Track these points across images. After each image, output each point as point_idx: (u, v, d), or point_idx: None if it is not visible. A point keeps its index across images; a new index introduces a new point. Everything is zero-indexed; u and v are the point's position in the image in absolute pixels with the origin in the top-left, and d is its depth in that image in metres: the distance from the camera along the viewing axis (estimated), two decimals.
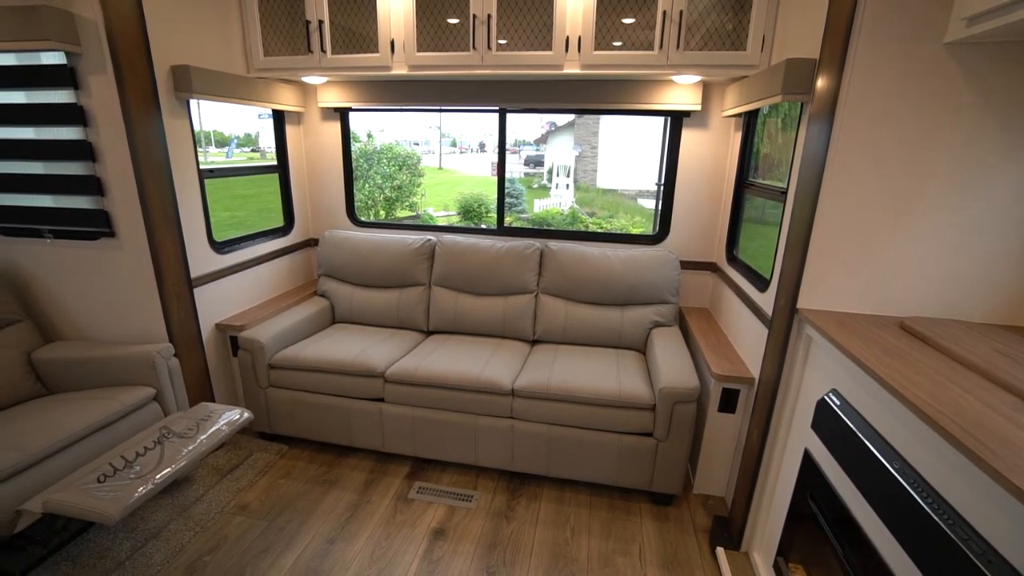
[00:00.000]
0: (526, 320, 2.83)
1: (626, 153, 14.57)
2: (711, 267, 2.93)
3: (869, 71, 1.48)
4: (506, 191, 2.95)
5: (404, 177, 12.13)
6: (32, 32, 1.91)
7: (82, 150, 2.11)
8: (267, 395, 2.60)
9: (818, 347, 1.62)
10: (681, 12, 2.19)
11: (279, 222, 3.19)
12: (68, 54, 2.01)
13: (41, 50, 1.97)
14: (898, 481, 1.08)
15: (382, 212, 11.97)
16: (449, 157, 19.91)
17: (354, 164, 3.20)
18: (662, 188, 2.99)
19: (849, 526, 1.31)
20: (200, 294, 2.48)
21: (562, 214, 12.77)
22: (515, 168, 16.37)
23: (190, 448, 1.83)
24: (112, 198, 2.16)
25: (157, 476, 1.66)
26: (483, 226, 2.85)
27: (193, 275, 2.42)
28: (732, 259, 2.66)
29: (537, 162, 16.93)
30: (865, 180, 1.55)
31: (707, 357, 2.28)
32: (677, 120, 2.78)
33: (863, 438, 1.25)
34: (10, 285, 2.33)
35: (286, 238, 3.17)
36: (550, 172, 15.71)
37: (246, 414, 2.05)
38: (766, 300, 2.02)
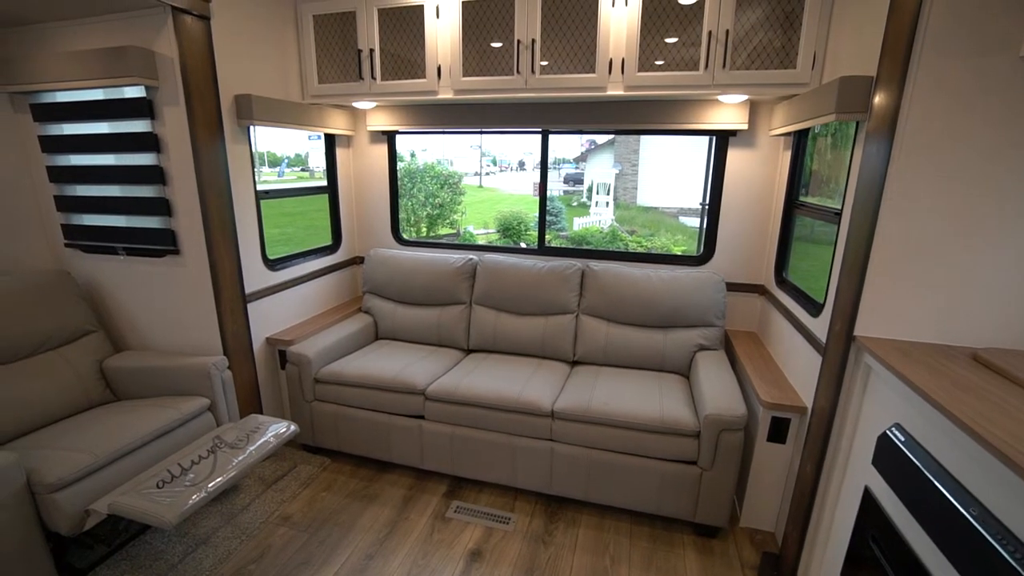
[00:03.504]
0: (566, 341, 2.80)
1: (667, 171, 14.38)
2: (759, 289, 2.83)
3: (933, 87, 1.41)
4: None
5: (446, 195, 12.43)
6: (119, 69, 2.09)
7: (155, 174, 2.27)
8: (312, 408, 2.67)
9: (879, 378, 1.53)
10: (727, 31, 2.17)
11: (326, 239, 3.32)
12: (147, 88, 2.18)
13: (125, 85, 2.15)
14: (977, 530, 0.99)
15: (424, 229, 12.28)
16: (490, 176, 20.25)
17: (399, 183, 3.30)
18: (707, 208, 2.93)
19: (918, 575, 1.21)
20: (253, 309, 2.60)
21: (602, 232, 12.70)
22: (554, 186, 16.41)
23: (240, 459, 1.90)
24: (178, 218, 2.31)
25: (210, 484, 1.73)
26: (524, 245, 2.84)
27: (248, 291, 2.54)
28: (781, 281, 2.56)
29: (576, 180, 16.94)
30: (931, 199, 1.47)
31: (755, 383, 2.19)
32: (723, 139, 2.73)
33: (933, 479, 1.16)
34: (88, 298, 2.52)
35: (334, 256, 3.28)
36: (589, 190, 15.70)
37: (292, 427, 2.12)
38: (819, 325, 1.93)
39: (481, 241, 12.48)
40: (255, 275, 2.62)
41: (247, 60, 2.47)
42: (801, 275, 2.47)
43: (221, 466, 1.85)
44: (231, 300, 2.43)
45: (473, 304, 3.00)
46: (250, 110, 2.38)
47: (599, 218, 14.09)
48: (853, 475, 1.63)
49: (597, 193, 15.47)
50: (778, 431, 2.09)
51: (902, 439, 1.33)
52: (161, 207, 2.30)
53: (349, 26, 2.67)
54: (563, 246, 3.02)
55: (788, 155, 2.56)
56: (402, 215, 11.06)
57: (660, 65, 2.31)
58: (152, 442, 2.03)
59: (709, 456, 2.08)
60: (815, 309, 2.02)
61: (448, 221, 12.60)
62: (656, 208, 15.35)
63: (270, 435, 2.08)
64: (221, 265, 2.36)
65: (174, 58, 2.10)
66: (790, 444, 2.08)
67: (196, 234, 2.29)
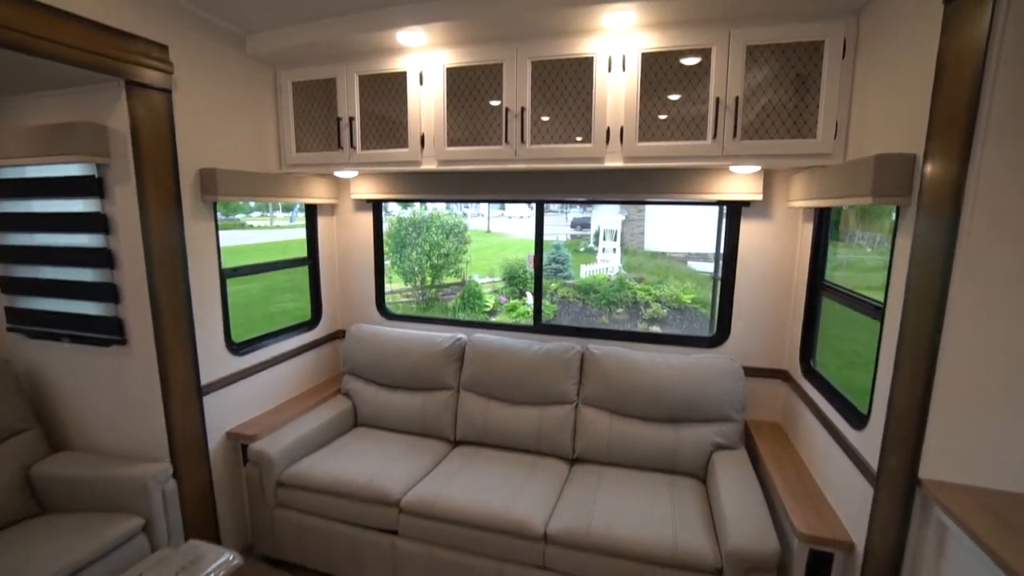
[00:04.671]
0: (564, 435, 2.47)
1: (674, 216, 14.23)
2: (781, 375, 2.49)
3: (1005, 168, 1.14)
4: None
5: (451, 244, 12.33)
6: (67, 147, 1.91)
7: (102, 257, 2.05)
8: (274, 515, 2.33)
9: (959, 544, 1.19)
10: (737, 98, 1.95)
11: (305, 302, 3.06)
12: (98, 165, 1.98)
13: (73, 162, 1.96)
14: None
15: (428, 278, 12.12)
16: (498, 220, 20.28)
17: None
18: (719, 281, 2.65)
19: None
20: (212, 401, 2.31)
21: (609, 280, 12.43)
22: (560, 230, 16.32)
23: None
24: (126, 305, 2.06)
25: None
26: (518, 323, 2.56)
27: (205, 382, 2.26)
28: (809, 371, 2.23)
29: (584, 224, 16.85)
30: (1017, 304, 1.17)
31: (786, 503, 1.83)
32: (735, 209, 2.47)
33: None
34: (29, 389, 2.26)
35: (312, 332, 3.02)
36: (596, 235, 15.56)
37: (237, 559, 1.78)
38: (865, 443, 1.59)
39: (487, 290, 12.29)
40: (216, 362, 2.35)
41: (217, 131, 2.29)
42: (833, 367, 2.15)
43: None
44: (183, 394, 2.15)
45: (461, 390, 2.69)
46: (214, 185, 2.18)
47: (606, 265, 13.87)
48: None
49: (604, 239, 15.32)
50: (819, 570, 1.71)
51: None
52: (107, 293, 2.07)
53: (329, 93, 2.51)
54: (559, 323, 2.73)
55: (809, 228, 2.29)
56: (405, 267, 10.79)
57: (663, 134, 2.08)
58: None
59: None
60: (857, 420, 1.69)
61: (453, 270, 12.48)
62: (664, 253, 15.12)
63: (211, 570, 1.74)
64: (172, 356, 2.09)
65: (127, 134, 1.91)
66: None
67: (144, 323, 2.04)
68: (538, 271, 2.83)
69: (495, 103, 2.26)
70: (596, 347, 2.54)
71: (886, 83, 1.63)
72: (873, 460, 1.49)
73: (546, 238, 2.82)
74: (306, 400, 2.81)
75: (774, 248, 2.44)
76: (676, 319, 10.89)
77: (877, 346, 1.58)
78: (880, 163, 1.43)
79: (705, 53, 1.98)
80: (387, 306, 3.17)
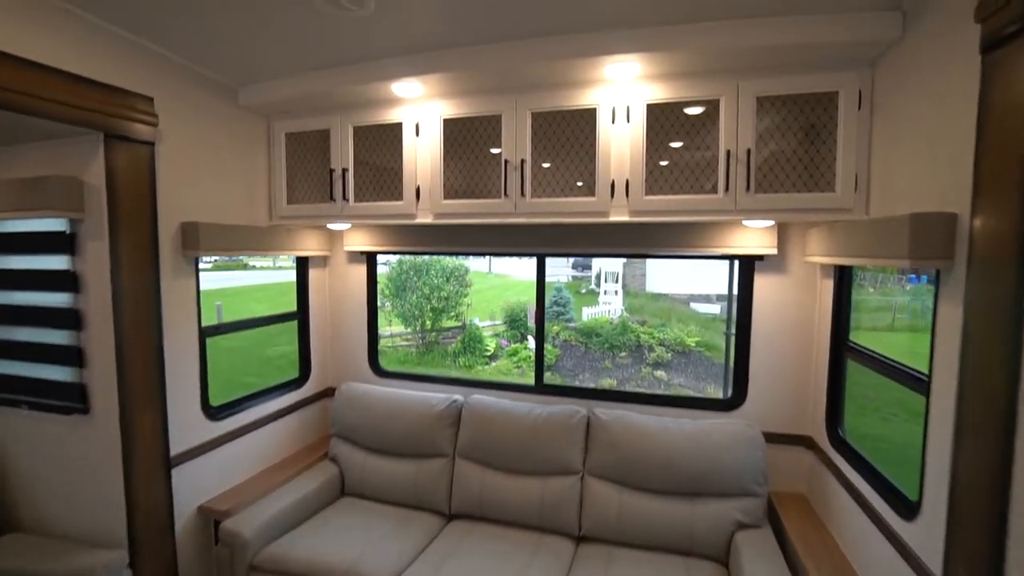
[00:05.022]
0: (570, 510, 2.24)
1: (676, 258, 14.13)
2: (805, 442, 2.28)
3: None
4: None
5: (451, 288, 12.23)
6: (38, 201, 1.79)
7: (69, 318, 1.90)
8: None
9: None
10: (749, 150, 1.84)
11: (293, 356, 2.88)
12: (71, 221, 1.87)
13: (45, 218, 1.85)
14: None
15: (428, 322, 11.94)
16: (499, 261, 20.30)
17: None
18: (733, 338, 2.48)
19: None
20: (182, 473, 2.10)
21: (611, 323, 12.25)
22: (561, 272, 16.25)
23: None
24: (92, 370, 1.90)
25: None
26: (519, 383, 2.37)
27: (175, 452, 2.06)
28: (838, 441, 2.03)
29: (585, 265, 16.80)
30: None
31: None
32: (748, 264, 2.33)
33: None
34: None
35: (300, 391, 2.83)
36: (597, 277, 15.48)
37: None
38: (920, 539, 1.38)
39: (488, 333, 12.08)
40: (190, 429, 2.15)
41: (203, 183, 2.19)
42: (865, 437, 1.95)
43: None
44: (148, 468, 1.95)
45: (457, 457, 2.48)
46: (196, 240, 2.05)
47: (608, 307, 13.72)
48: None
49: (605, 281, 15.23)
50: None
51: None
52: (71, 356, 1.90)
53: (322, 144, 2.42)
54: (563, 384, 2.55)
55: (828, 284, 2.14)
56: (405, 310, 10.60)
57: (672, 187, 1.97)
58: None
59: None
60: (905, 508, 1.48)
61: (454, 314, 12.31)
62: (666, 295, 15.00)
63: None
64: (138, 425, 1.91)
65: (103, 188, 1.80)
66: None
67: (109, 388, 1.87)
68: (540, 328, 2.67)
69: (495, 151, 2.16)
70: (603, 411, 2.35)
71: (912, 136, 1.52)
72: (934, 563, 1.28)
73: (547, 280, 2.67)
74: (290, 466, 2.59)
75: (791, 304, 2.28)
76: (681, 363, 10.64)
77: (924, 423, 1.40)
78: (917, 223, 1.29)
79: (713, 104, 1.89)
80: (380, 362, 2.99)
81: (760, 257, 2.28)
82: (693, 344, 11.16)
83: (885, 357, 1.75)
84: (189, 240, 2.07)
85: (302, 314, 2.86)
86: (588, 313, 12.96)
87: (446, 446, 2.49)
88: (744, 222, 2.12)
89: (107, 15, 1.72)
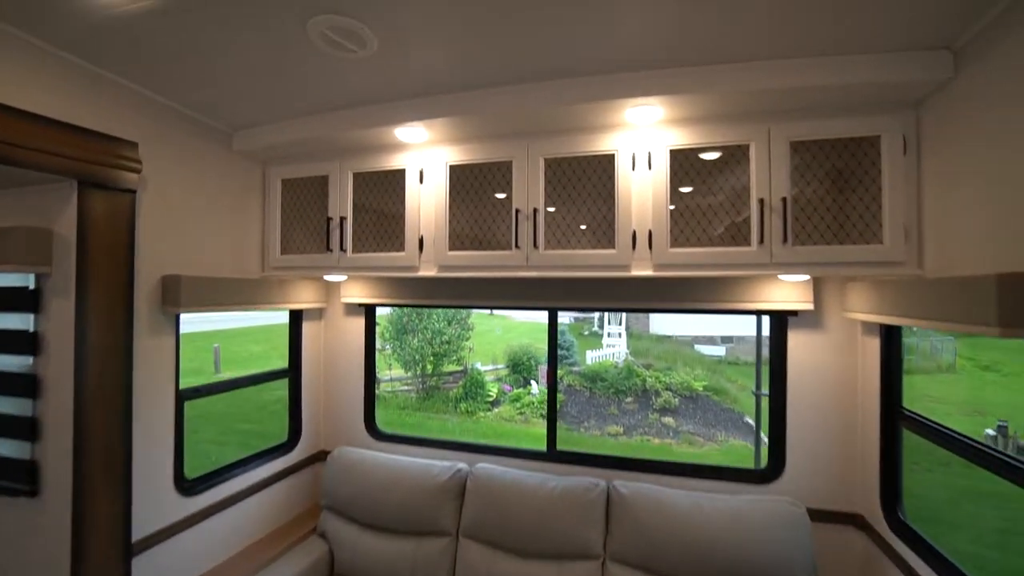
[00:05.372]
0: None
1: (701, 312, 13.97)
2: (855, 521, 2.01)
3: None
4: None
5: (453, 331, 11.99)
6: (1, 255, 1.62)
7: (25, 385, 1.68)
8: None
9: None
10: (784, 199, 1.68)
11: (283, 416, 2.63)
12: (37, 275, 1.69)
13: (7, 272, 1.66)
14: None
15: (429, 367, 11.63)
16: None
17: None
18: (759, 399, 2.24)
19: None
20: (147, 560, 1.83)
21: (616, 367, 11.93)
22: (564, 313, 15.97)
23: None
24: (46, 444, 1.67)
25: None
26: (530, 449, 2.11)
27: (139, 536, 1.81)
28: (898, 524, 1.77)
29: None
30: None
31: None
32: (780, 319, 2.14)
33: None
34: None
35: (288, 456, 2.57)
36: (601, 319, 15.23)
37: None
38: None
39: (490, 377, 11.73)
40: (159, 508, 1.90)
41: (190, 232, 2.03)
42: (936, 520, 1.69)
43: None
44: (102, 558, 1.68)
45: (461, 536, 2.20)
46: (177, 295, 1.87)
47: (613, 350, 13.43)
48: None
49: (609, 324, 14.98)
50: None
51: None
52: (22, 429, 1.68)
53: (320, 191, 2.28)
54: (579, 451, 2.29)
55: (872, 342, 1.94)
56: (406, 354, 10.29)
57: (699, 239, 1.80)
58: None
59: None
60: None
61: (455, 358, 12.02)
62: (671, 337, 14.73)
63: None
64: (95, 508, 1.66)
65: (73, 240, 1.63)
66: None
67: (63, 467, 1.63)
68: (552, 389, 2.43)
69: (501, 196, 2.01)
70: (624, 485, 2.09)
71: (975, 185, 1.35)
72: None
73: (546, 321, 2.46)
74: (274, 543, 2.31)
75: (832, 364, 2.07)
76: (689, 408, 10.28)
77: None
78: (1007, 285, 1.10)
79: (742, 150, 1.74)
80: (377, 422, 2.75)
81: (794, 313, 2.09)
82: (701, 388, 10.83)
83: (958, 436, 1.52)
84: (169, 295, 1.89)
85: (294, 371, 2.64)
86: (592, 356, 12.66)
87: (448, 523, 2.21)
88: (780, 276, 1.94)
89: (86, 53, 1.60)
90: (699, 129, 1.78)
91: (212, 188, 2.13)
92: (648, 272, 1.82)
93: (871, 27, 1.39)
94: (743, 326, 13.52)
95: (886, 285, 1.64)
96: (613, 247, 1.84)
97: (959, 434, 1.52)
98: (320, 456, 2.76)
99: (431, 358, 11.67)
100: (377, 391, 2.80)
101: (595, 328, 15.70)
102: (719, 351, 14.06)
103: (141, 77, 1.75)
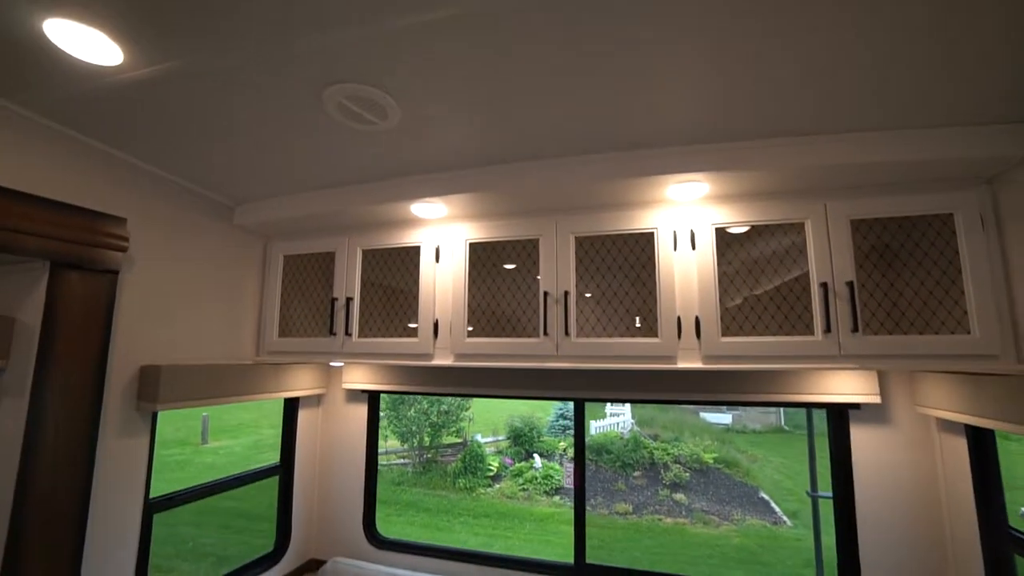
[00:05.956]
0: None
1: (750, 404, 13.75)
2: None
3: None
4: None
5: (452, 401, 11.52)
6: None
7: None
8: None
9: None
10: (851, 283, 1.48)
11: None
12: None
13: None
14: None
15: (427, 439, 11.06)
16: None
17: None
18: (821, 502, 1.95)
19: None
20: None
21: (621, 438, 11.39)
22: None
23: None
24: None
25: None
26: (554, 562, 1.76)
27: None
28: None
29: None
30: None
31: None
32: (839, 412, 1.89)
33: None
34: None
35: (275, 569, 2.21)
36: None
37: None
38: None
39: (490, 450, 11.10)
40: None
41: (179, 314, 1.83)
42: None
43: None
44: None
45: None
46: (156, 389, 1.62)
47: (617, 419, 12.89)
48: None
49: None
50: None
51: None
52: None
53: (325, 269, 2.10)
54: (613, 565, 1.95)
55: (954, 441, 1.68)
56: (402, 426, 9.79)
57: (754, 328, 1.59)
58: None
59: None
60: None
61: (454, 429, 11.47)
62: (675, 404, 14.23)
63: None
64: None
65: (36, 329, 1.41)
66: None
67: None
68: (579, 493, 2.11)
69: (522, 275, 1.82)
70: None
71: None
72: None
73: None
74: None
75: (903, 463, 1.80)
76: (700, 483, 9.70)
77: None
78: None
79: (798, 228, 1.58)
80: (378, 527, 2.40)
81: (857, 406, 1.84)
82: (711, 461, 10.31)
83: None
84: (147, 389, 1.64)
85: (286, 467, 2.33)
86: (596, 427, 12.14)
87: None
88: (844, 368, 1.71)
89: (71, 122, 1.45)
90: (746, 207, 1.62)
91: (207, 265, 1.95)
92: (697, 364, 1.59)
93: (943, 101, 1.26)
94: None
95: (971, 380, 1.42)
96: (656, 336, 1.63)
97: None
98: (311, 566, 2.39)
99: (428, 429, 11.12)
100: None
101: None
102: (726, 419, 13.59)
103: (134, 147, 1.60)
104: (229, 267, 2.05)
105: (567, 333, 1.69)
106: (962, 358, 1.43)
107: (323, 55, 1.11)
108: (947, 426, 1.73)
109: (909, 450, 1.80)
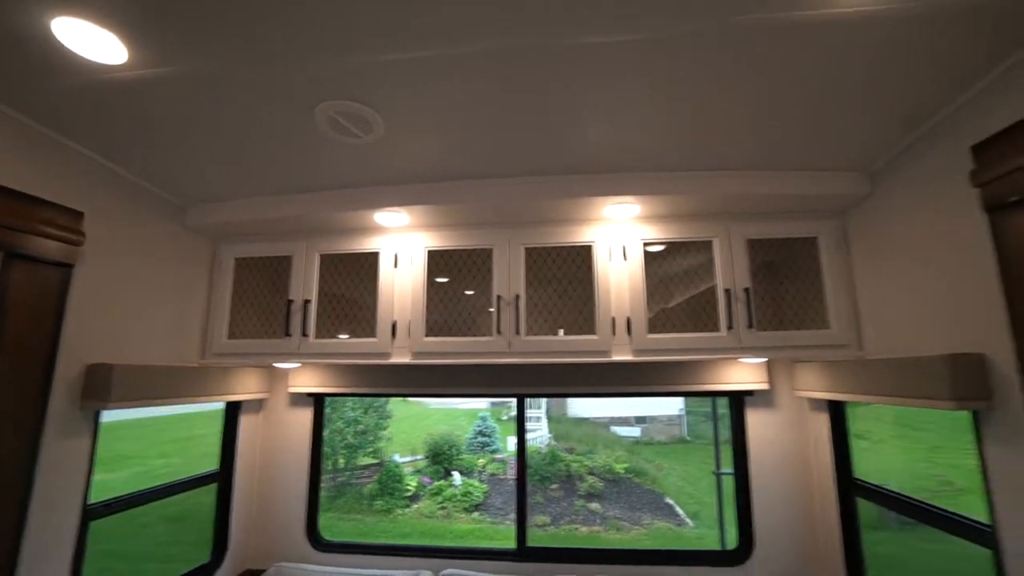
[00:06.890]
0: None
1: (672, 394, 14.48)
2: None
3: None
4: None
5: (370, 420, 11.18)
6: None
7: None
8: None
9: None
10: (747, 289, 1.86)
11: (205, 540, 2.21)
12: None
13: None
14: None
15: (342, 460, 10.59)
16: None
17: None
18: (724, 478, 2.32)
19: None
20: None
21: (540, 452, 11.68)
22: (479, 399, 15.70)
23: None
24: None
25: None
26: (497, 548, 1.95)
27: None
28: None
29: None
30: None
31: None
32: (738, 399, 2.27)
33: None
34: None
35: None
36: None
37: None
38: None
39: (408, 470, 10.87)
40: None
41: (128, 313, 1.80)
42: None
43: None
44: None
45: None
46: (106, 388, 1.59)
47: (535, 434, 13.22)
48: None
49: (529, 407, 14.85)
50: None
51: None
52: None
53: (280, 272, 2.14)
54: (551, 547, 2.16)
55: (819, 417, 2.11)
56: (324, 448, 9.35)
57: (674, 326, 1.92)
58: None
59: None
60: None
61: (371, 450, 11.09)
62: (587, 419, 14.90)
63: None
64: None
65: None
66: None
67: None
68: (521, 484, 2.31)
69: (478, 283, 2.02)
70: None
71: (904, 280, 1.60)
72: None
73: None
74: None
75: (786, 440, 2.21)
76: (613, 492, 10.21)
77: None
78: (958, 364, 1.28)
79: (707, 245, 1.94)
80: (322, 533, 2.41)
81: (751, 392, 2.24)
82: (623, 471, 10.89)
83: (920, 503, 1.65)
84: (95, 388, 1.60)
85: (225, 473, 2.28)
86: (513, 442, 12.32)
87: None
88: (741, 359, 2.09)
89: (28, 109, 1.43)
90: (669, 226, 1.95)
91: (158, 265, 1.92)
92: (628, 357, 1.88)
93: (803, 150, 1.67)
94: (656, 407, 14.12)
95: (833, 365, 1.84)
96: (594, 333, 1.90)
97: (906, 496, 1.67)
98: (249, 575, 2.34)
99: (343, 451, 10.67)
100: None
101: (513, 413, 15.47)
102: (635, 432, 14.40)
103: (97, 143, 1.59)
104: (177, 267, 2.02)
105: (518, 332, 1.91)
106: (824, 348, 1.85)
107: (322, 74, 1.26)
108: (815, 405, 2.16)
109: (789, 428, 2.22)
